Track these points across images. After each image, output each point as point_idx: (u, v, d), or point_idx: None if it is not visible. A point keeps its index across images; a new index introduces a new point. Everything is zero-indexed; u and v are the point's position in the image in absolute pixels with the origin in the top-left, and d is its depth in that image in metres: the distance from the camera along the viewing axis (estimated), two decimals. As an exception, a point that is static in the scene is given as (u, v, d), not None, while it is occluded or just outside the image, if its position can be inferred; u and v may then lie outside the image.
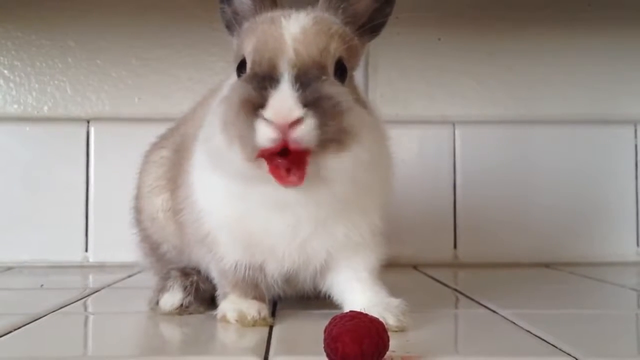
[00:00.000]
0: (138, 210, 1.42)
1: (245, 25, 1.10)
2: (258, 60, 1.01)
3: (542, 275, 1.87)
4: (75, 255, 2.04)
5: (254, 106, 0.95)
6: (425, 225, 2.09)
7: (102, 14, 2.13)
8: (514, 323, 1.13)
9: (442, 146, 2.12)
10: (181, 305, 1.21)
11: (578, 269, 1.95)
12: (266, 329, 1.08)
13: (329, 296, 1.19)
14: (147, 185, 1.37)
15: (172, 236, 1.32)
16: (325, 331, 0.85)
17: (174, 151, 1.32)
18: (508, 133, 2.14)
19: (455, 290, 1.56)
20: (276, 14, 1.07)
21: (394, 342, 0.89)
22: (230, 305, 1.13)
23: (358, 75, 1.97)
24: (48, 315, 1.21)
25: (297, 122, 0.93)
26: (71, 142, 2.08)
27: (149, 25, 2.13)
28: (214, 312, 1.16)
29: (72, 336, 1.09)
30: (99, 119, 2.10)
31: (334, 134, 0.95)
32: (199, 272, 1.27)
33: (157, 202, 1.33)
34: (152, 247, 1.40)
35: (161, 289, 1.24)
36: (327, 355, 0.83)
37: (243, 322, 1.10)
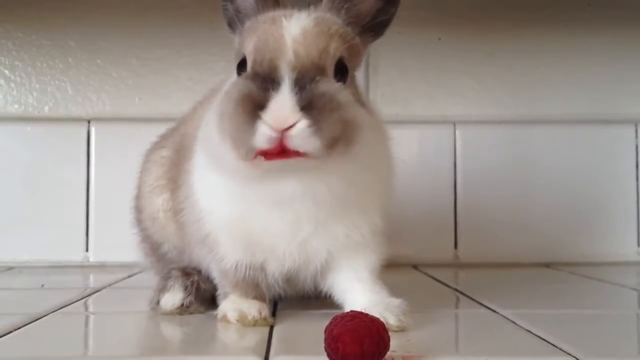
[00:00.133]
0: (139, 210, 1.42)
1: (247, 23, 1.10)
2: (259, 60, 1.01)
3: (542, 275, 1.87)
4: (75, 255, 2.04)
5: (254, 105, 0.95)
6: (426, 225, 2.09)
7: (102, 14, 2.13)
8: (514, 323, 1.14)
9: (443, 146, 2.12)
10: (182, 305, 1.21)
11: (578, 268, 1.95)
12: (267, 329, 1.08)
13: (330, 296, 1.19)
14: (147, 185, 1.37)
15: (173, 236, 1.32)
16: (325, 331, 0.85)
17: (174, 151, 1.32)
18: (508, 133, 2.14)
19: (456, 290, 1.56)
20: (278, 13, 1.07)
21: (394, 342, 0.89)
22: (231, 305, 1.13)
23: (358, 75, 1.97)
24: (49, 315, 1.21)
25: (296, 121, 0.93)
26: (72, 142, 2.08)
27: (150, 26, 2.13)
28: (215, 312, 1.16)
29: (72, 336, 1.09)
30: (99, 119, 2.10)
31: (332, 133, 0.95)
32: (199, 272, 1.27)
33: (158, 202, 1.33)
34: (152, 247, 1.40)
35: (162, 289, 1.24)
36: (328, 355, 0.83)
37: (244, 321, 1.10)
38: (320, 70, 1.00)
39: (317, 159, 0.96)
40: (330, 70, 1.02)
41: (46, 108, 2.13)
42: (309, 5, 1.10)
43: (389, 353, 0.86)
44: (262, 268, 1.14)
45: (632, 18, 2.18)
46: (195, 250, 1.24)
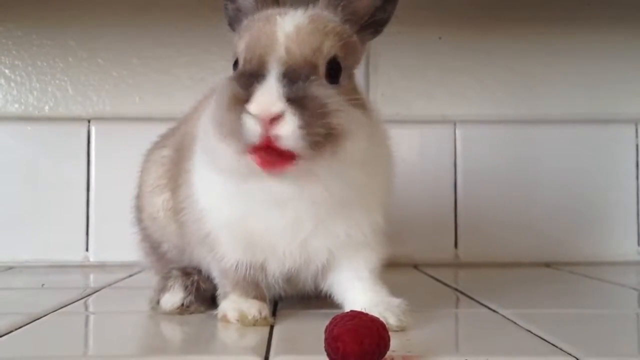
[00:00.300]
0: (139, 210, 1.42)
1: (244, 22, 1.10)
2: (249, 58, 1.02)
3: (542, 275, 1.87)
4: (75, 254, 2.04)
5: (241, 102, 0.95)
6: (426, 225, 2.09)
7: (103, 13, 2.13)
8: (515, 323, 1.14)
9: (443, 145, 2.12)
10: (182, 304, 1.21)
11: (578, 268, 1.95)
12: (267, 329, 1.08)
13: (330, 296, 1.19)
14: (148, 184, 1.37)
15: (173, 235, 1.32)
16: (326, 331, 0.85)
17: (175, 150, 1.32)
18: (509, 132, 2.14)
19: (456, 289, 1.56)
20: (273, 11, 1.06)
21: (394, 342, 0.89)
22: (231, 305, 1.13)
23: (358, 74, 1.96)
24: (49, 315, 1.21)
25: (279, 117, 0.93)
26: (72, 142, 2.08)
27: (150, 25, 2.13)
28: (215, 312, 1.16)
29: (72, 336, 1.09)
30: (99, 119, 2.10)
31: (321, 136, 0.95)
32: (199, 271, 1.27)
33: (158, 202, 1.33)
34: (152, 246, 1.40)
35: (162, 289, 1.24)
36: (328, 355, 0.83)
37: (244, 321, 1.10)
38: (311, 68, 0.99)
39: (304, 161, 0.96)
40: (323, 68, 1.01)
41: (46, 107, 2.13)
42: (307, 4, 1.09)
43: (389, 353, 0.85)
44: (263, 267, 1.14)
45: (632, 17, 2.18)
46: (195, 249, 1.24)
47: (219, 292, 1.20)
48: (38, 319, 1.17)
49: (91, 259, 2.04)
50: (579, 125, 2.15)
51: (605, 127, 2.15)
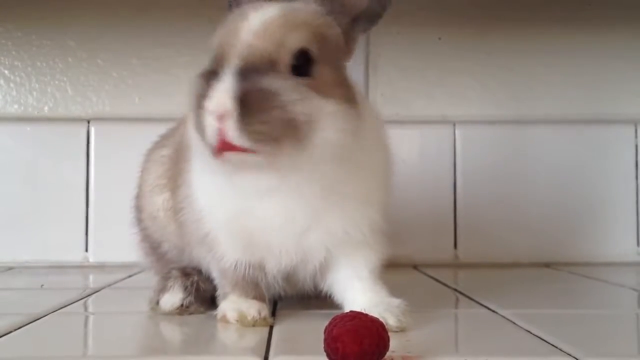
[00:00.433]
0: (139, 209, 1.42)
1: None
2: (214, 56, 1.02)
3: (542, 275, 1.87)
4: (75, 255, 2.04)
5: (203, 99, 0.96)
6: (426, 225, 2.09)
7: (102, 13, 2.13)
8: (514, 323, 1.14)
9: (443, 146, 2.12)
10: (181, 305, 1.21)
11: (578, 268, 1.95)
12: (266, 329, 1.08)
13: (330, 296, 1.19)
14: (148, 184, 1.37)
15: (173, 235, 1.32)
16: (325, 331, 0.85)
17: (174, 150, 1.32)
18: (508, 133, 2.14)
19: (456, 290, 1.56)
20: (249, 6, 1.05)
21: (394, 342, 0.89)
22: (230, 305, 1.13)
23: (358, 74, 1.97)
24: (48, 315, 1.21)
25: (228, 113, 0.93)
26: (71, 142, 2.08)
27: (150, 25, 2.13)
28: (214, 312, 1.15)
29: (72, 336, 1.09)
30: (99, 119, 2.10)
31: (264, 131, 0.94)
32: (199, 272, 1.27)
33: (158, 201, 1.33)
34: (152, 246, 1.40)
35: (162, 289, 1.24)
36: (328, 355, 0.83)
37: (243, 322, 1.10)
38: (272, 62, 0.98)
39: (265, 154, 0.96)
40: (287, 61, 0.99)
41: (46, 108, 2.13)
42: None
43: (388, 353, 0.85)
44: (261, 267, 1.14)
45: (633, 18, 2.18)
46: (195, 249, 1.23)
47: (219, 292, 1.20)
48: (37, 319, 1.17)
49: (91, 260, 2.04)
50: (579, 125, 2.15)
51: (605, 127, 2.15)
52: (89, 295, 1.47)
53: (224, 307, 1.14)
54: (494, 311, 1.25)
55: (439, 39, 2.18)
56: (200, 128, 0.97)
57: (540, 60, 2.18)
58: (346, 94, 1.04)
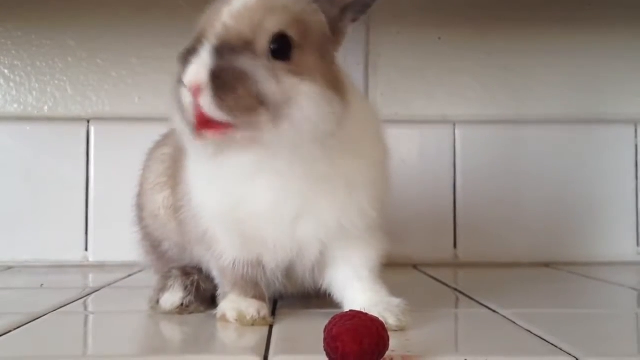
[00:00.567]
0: (140, 208, 1.42)
1: None
2: (195, 36, 1.04)
3: (541, 275, 1.87)
4: (75, 254, 2.04)
5: (180, 78, 0.99)
6: (425, 225, 2.09)
7: (102, 13, 2.13)
8: (514, 322, 1.14)
9: (442, 146, 2.12)
10: (181, 304, 1.21)
11: (578, 268, 1.95)
12: (266, 328, 1.08)
13: (329, 294, 1.18)
14: (149, 182, 1.37)
15: (174, 234, 1.32)
16: (325, 330, 0.85)
17: (175, 148, 1.32)
18: (508, 133, 2.14)
19: (455, 289, 1.56)
20: None
21: (394, 342, 0.89)
22: (230, 305, 1.13)
23: (358, 74, 1.97)
24: (48, 315, 1.21)
25: (202, 87, 0.96)
26: (71, 142, 2.07)
27: (149, 24, 2.13)
28: (214, 312, 1.15)
29: (72, 336, 1.09)
30: (99, 119, 2.10)
31: (248, 105, 0.96)
32: (200, 271, 1.27)
33: (159, 199, 1.33)
34: (153, 245, 1.40)
35: (162, 288, 1.24)
36: (327, 355, 0.83)
37: (242, 321, 1.10)
38: (247, 43, 0.99)
39: (241, 130, 0.97)
40: (263, 43, 1.00)
41: (46, 107, 2.13)
42: None
43: (388, 353, 0.85)
44: (260, 263, 1.14)
45: (632, 17, 2.18)
46: (195, 248, 1.24)
47: (219, 291, 1.20)
48: (37, 318, 1.17)
49: (90, 259, 2.04)
50: (579, 125, 2.15)
51: (604, 127, 2.15)
52: (88, 294, 1.47)
53: (224, 306, 1.14)
54: (493, 311, 1.25)
55: (439, 38, 2.18)
56: (179, 106, 1.00)
57: (540, 60, 2.18)
58: (331, 80, 1.04)
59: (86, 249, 2.05)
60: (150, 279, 1.41)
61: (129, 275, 1.76)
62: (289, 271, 1.16)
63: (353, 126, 1.07)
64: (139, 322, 1.18)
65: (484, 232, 2.10)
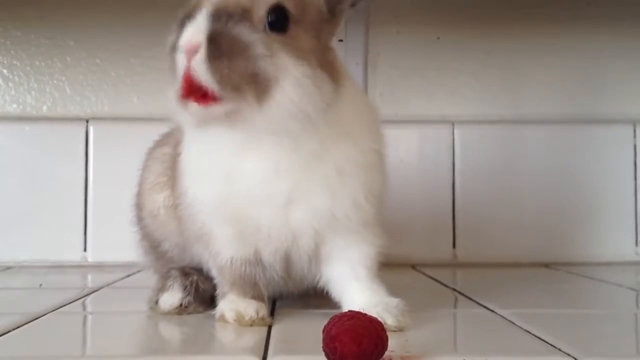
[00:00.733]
0: (139, 208, 1.41)
1: None
2: (192, 4, 1.04)
3: (540, 275, 1.87)
4: (73, 254, 2.04)
5: (176, 42, 1.00)
6: (424, 225, 2.09)
7: (101, 12, 2.12)
8: (513, 323, 1.14)
9: (441, 146, 2.12)
10: (180, 305, 1.21)
11: (577, 268, 1.95)
12: (265, 329, 1.08)
13: (328, 292, 1.18)
14: (148, 182, 1.37)
15: (173, 233, 1.31)
16: (323, 331, 0.85)
17: (174, 147, 1.32)
18: (507, 133, 2.14)
19: (454, 290, 1.56)
20: None
21: (392, 342, 0.89)
22: (228, 305, 1.13)
23: (357, 74, 1.97)
24: (47, 315, 1.21)
25: (197, 49, 0.96)
26: (70, 142, 2.07)
27: (149, 24, 2.13)
28: (213, 312, 1.15)
29: (70, 336, 1.09)
30: (98, 119, 2.10)
31: (236, 76, 0.96)
32: (199, 271, 1.27)
33: (159, 199, 1.33)
34: (152, 245, 1.40)
35: (161, 289, 1.24)
36: (326, 355, 0.83)
37: (241, 321, 1.10)
38: (245, 12, 0.99)
39: (227, 102, 0.97)
40: (261, 14, 1.00)
41: (44, 107, 2.12)
42: None
43: (387, 353, 0.85)
44: (257, 261, 1.14)
45: (632, 17, 2.18)
46: (194, 247, 1.24)
47: (218, 291, 1.19)
48: (36, 319, 1.17)
49: (89, 259, 2.04)
50: (578, 125, 2.15)
51: (604, 127, 2.15)
52: (87, 294, 1.47)
53: (222, 306, 1.14)
54: (492, 311, 1.25)
55: (438, 38, 2.18)
56: (172, 69, 1.00)
57: (540, 60, 2.18)
58: (324, 62, 1.04)
59: (85, 249, 2.05)
60: (149, 279, 1.41)
61: (128, 276, 1.76)
62: (286, 266, 1.15)
63: (346, 110, 1.07)
64: (137, 323, 1.18)
65: (483, 232, 2.10)
